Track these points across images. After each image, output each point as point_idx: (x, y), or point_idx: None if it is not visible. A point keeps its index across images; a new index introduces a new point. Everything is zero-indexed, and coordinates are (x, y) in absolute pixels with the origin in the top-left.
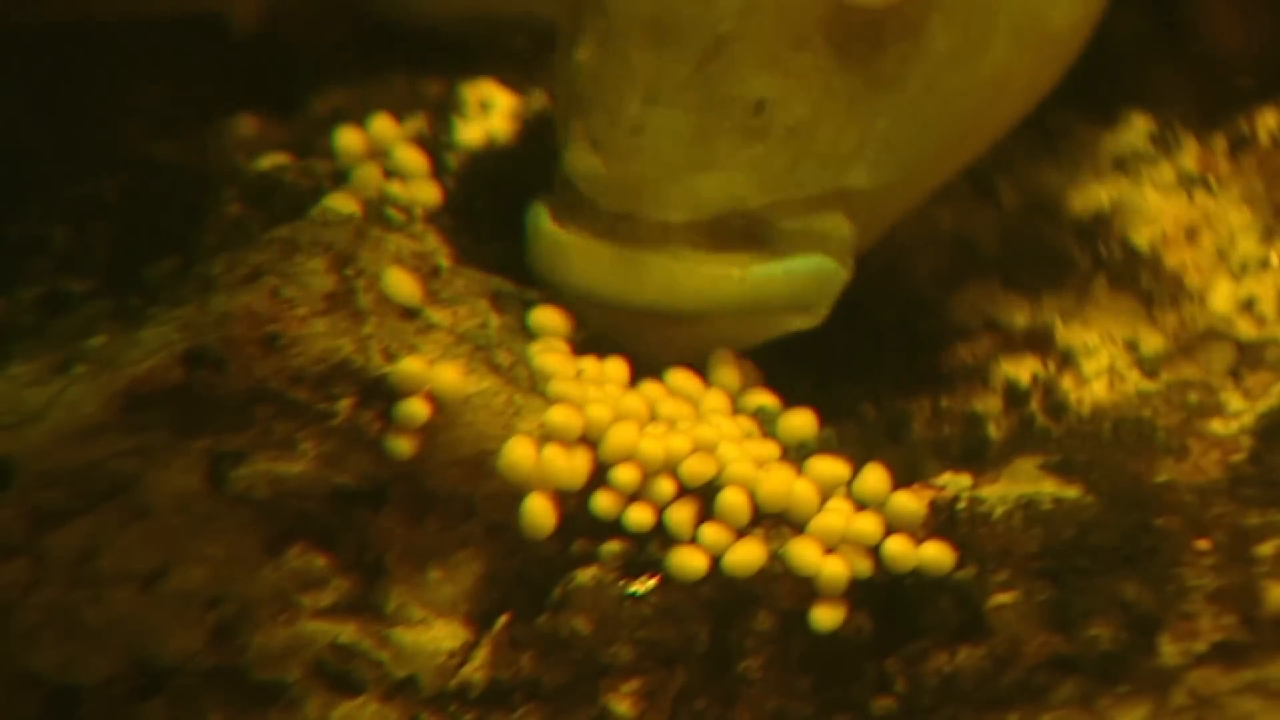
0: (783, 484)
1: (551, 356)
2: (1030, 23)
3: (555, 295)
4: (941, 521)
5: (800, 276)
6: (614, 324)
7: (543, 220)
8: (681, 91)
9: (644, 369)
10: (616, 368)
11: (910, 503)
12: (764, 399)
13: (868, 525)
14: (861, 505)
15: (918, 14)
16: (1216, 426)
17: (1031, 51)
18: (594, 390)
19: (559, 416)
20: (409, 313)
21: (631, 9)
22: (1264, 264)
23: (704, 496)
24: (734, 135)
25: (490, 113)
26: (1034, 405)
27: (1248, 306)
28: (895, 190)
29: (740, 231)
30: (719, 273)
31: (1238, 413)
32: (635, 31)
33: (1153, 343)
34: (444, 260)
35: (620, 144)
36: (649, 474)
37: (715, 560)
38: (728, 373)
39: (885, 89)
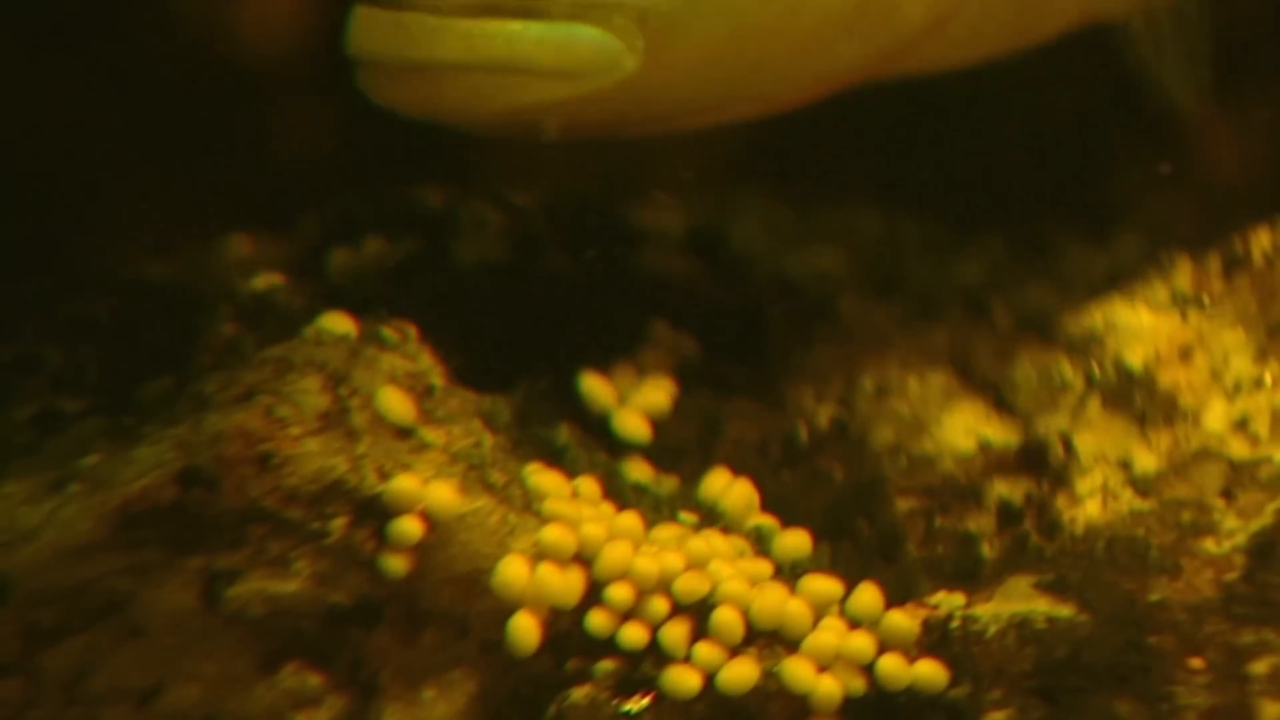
0: (776, 602)
1: (546, 476)
2: None
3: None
4: (935, 640)
5: (576, 42)
6: (390, 86)
7: (356, 7)
8: None
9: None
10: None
11: (903, 621)
12: (761, 518)
13: (861, 643)
14: (855, 623)
15: None
16: (1210, 545)
17: None
18: (588, 509)
19: (553, 535)
20: (403, 432)
21: None
22: (1258, 383)
23: (698, 614)
24: None
25: (484, 231)
26: (1027, 524)
27: (1241, 426)
28: (690, 36)
29: (516, 7)
30: (487, 29)
31: (1231, 532)
32: None
33: (1146, 462)
34: (438, 380)
35: None
36: (643, 592)
37: (709, 678)
38: (731, 495)
39: None
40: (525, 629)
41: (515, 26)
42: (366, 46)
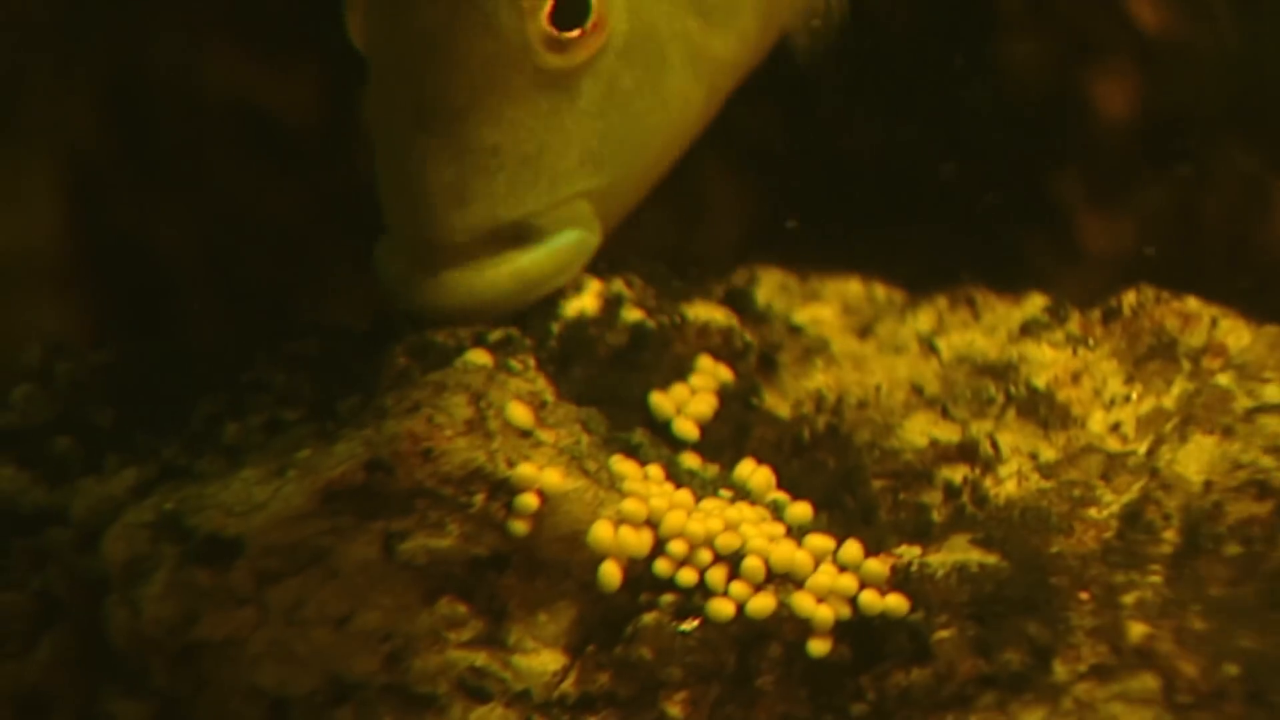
0: (787, 553)
1: (625, 464)
2: (696, 53)
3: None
4: (899, 580)
5: (561, 251)
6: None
7: (379, 258)
8: (442, 150)
9: None
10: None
11: (878, 566)
12: (777, 495)
13: (848, 582)
14: (843, 568)
15: (603, 63)
16: (1093, 513)
17: (704, 75)
18: (655, 488)
19: (630, 506)
20: (524, 433)
21: (403, 100)
22: (1126, 398)
23: (732, 562)
24: (481, 175)
25: (583, 293)
26: (965, 498)
27: (1115, 429)
28: (622, 184)
29: (509, 234)
30: (500, 271)
31: (1108, 503)
32: (408, 114)
33: (1048, 454)
34: (549, 397)
35: (411, 195)
36: (693, 546)
37: (740, 607)
38: (756, 478)
39: (591, 118)
40: (611, 573)
41: (517, 261)
42: (415, 304)
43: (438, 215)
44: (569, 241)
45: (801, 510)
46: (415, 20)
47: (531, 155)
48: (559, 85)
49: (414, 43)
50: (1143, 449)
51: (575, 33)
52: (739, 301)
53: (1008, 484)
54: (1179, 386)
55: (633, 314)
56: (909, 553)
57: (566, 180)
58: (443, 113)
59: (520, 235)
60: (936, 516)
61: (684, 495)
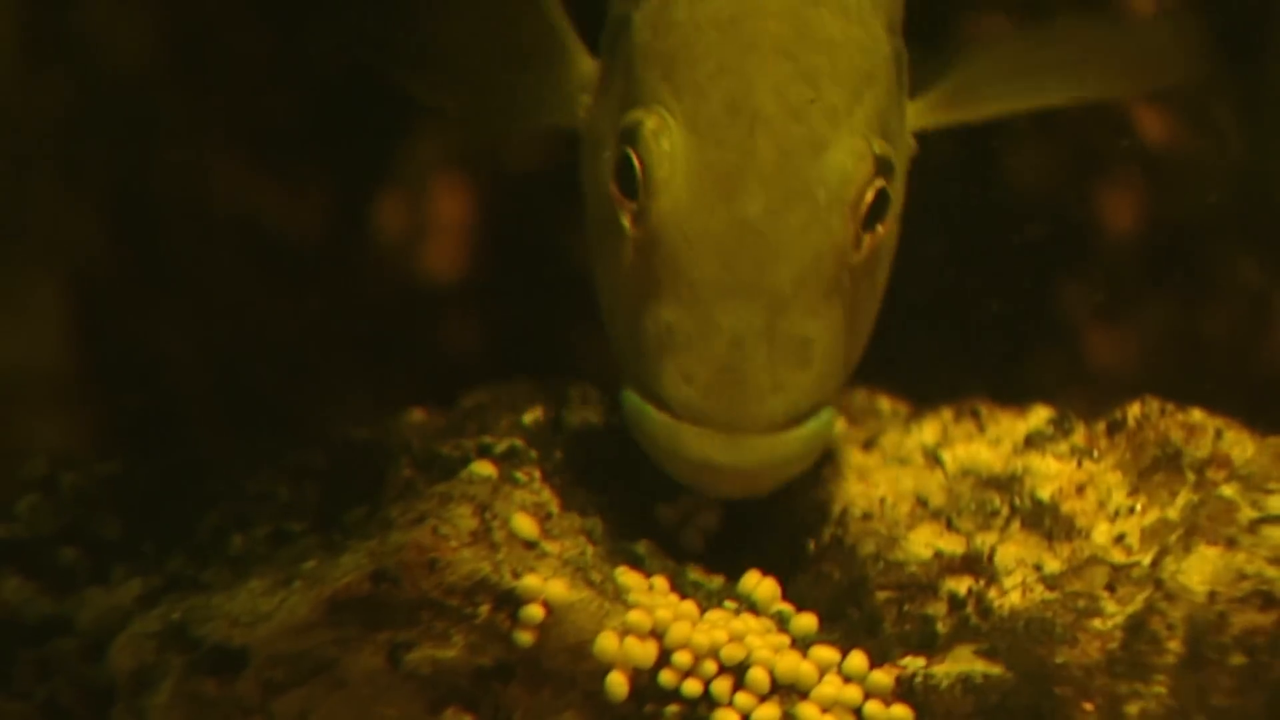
0: (792, 664)
1: (630, 575)
2: (890, 246)
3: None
4: (904, 690)
5: (825, 426)
6: (709, 481)
7: (649, 410)
8: (758, 339)
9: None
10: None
11: (883, 677)
12: (782, 605)
13: (853, 693)
14: (848, 679)
15: (867, 266)
16: (1098, 624)
17: (885, 271)
18: (660, 599)
19: (635, 617)
20: (529, 544)
21: (717, 283)
22: (1131, 510)
23: (737, 673)
24: (792, 364)
25: (587, 404)
26: (969, 609)
27: (1119, 540)
28: (850, 371)
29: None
30: (791, 436)
31: (1112, 614)
32: (720, 299)
33: (1052, 565)
34: (554, 509)
35: (714, 381)
36: (698, 657)
37: (745, 718)
38: (761, 589)
39: (860, 311)
40: (618, 683)
41: (798, 435)
42: (700, 457)
43: (748, 402)
44: (829, 419)
45: (806, 622)
46: (745, 209)
47: (829, 348)
48: (854, 278)
49: (740, 230)
50: (1147, 560)
51: (875, 233)
52: None
53: (1012, 595)
54: (1183, 498)
55: None
56: (914, 664)
57: (841, 371)
58: (764, 298)
59: (795, 412)
60: (941, 628)
61: (689, 606)
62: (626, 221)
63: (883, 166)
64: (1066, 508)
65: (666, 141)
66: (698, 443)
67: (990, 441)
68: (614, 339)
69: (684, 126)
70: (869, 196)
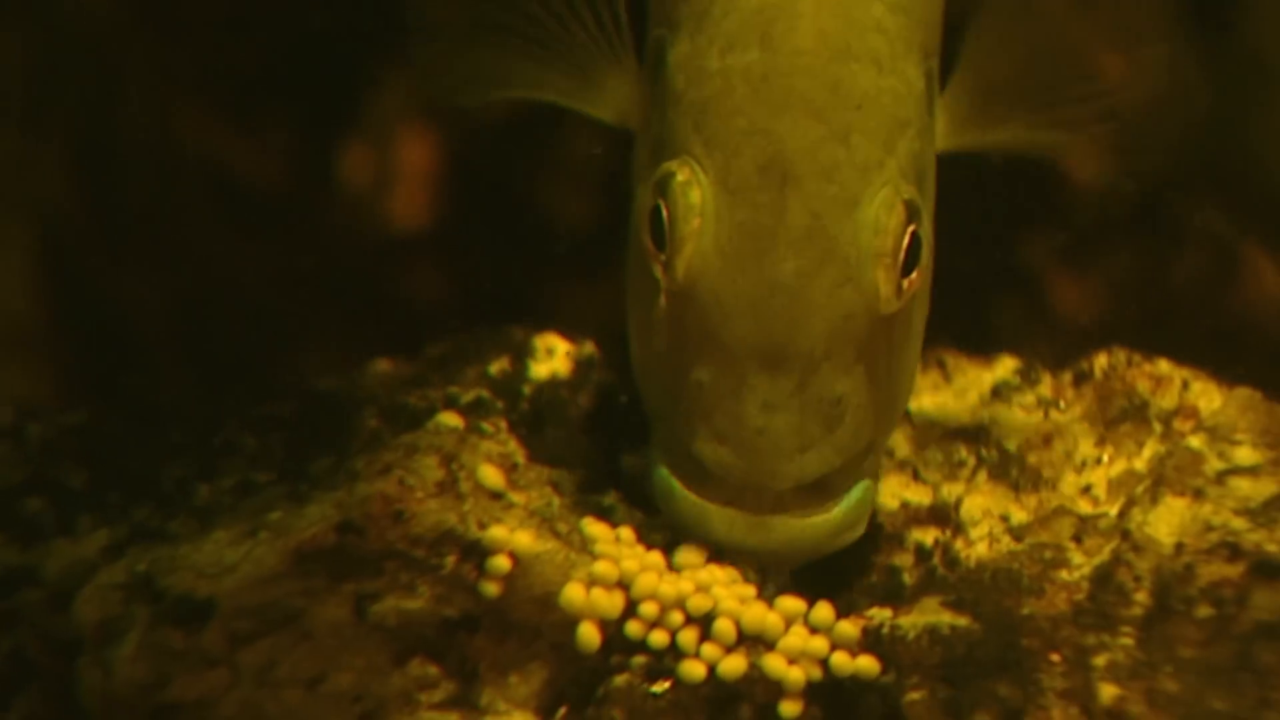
0: (759, 615)
1: (596, 526)
2: (925, 289)
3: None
4: (871, 641)
5: (858, 503)
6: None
7: (677, 489)
8: (790, 399)
9: None
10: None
11: (849, 628)
12: None
13: (819, 644)
14: (815, 630)
15: (906, 309)
16: (1064, 575)
17: (923, 306)
18: (626, 550)
19: (601, 567)
20: (496, 495)
21: (748, 344)
22: (1098, 461)
23: (704, 624)
24: (823, 423)
25: (554, 356)
26: (936, 560)
27: (1086, 491)
28: (895, 420)
29: (821, 483)
30: (818, 521)
31: (1079, 566)
32: (751, 361)
33: (1019, 516)
34: (521, 459)
35: (745, 441)
36: (665, 608)
37: (712, 668)
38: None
39: (893, 362)
40: (590, 635)
41: (830, 512)
42: (727, 538)
43: (778, 462)
44: (861, 494)
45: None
46: (776, 270)
47: (861, 405)
48: (883, 335)
49: (771, 291)
50: (1114, 511)
51: (911, 278)
52: None
53: (979, 546)
54: (1150, 449)
55: (604, 376)
56: (880, 615)
57: (873, 428)
58: (797, 361)
59: (826, 485)
60: (908, 579)
61: (655, 557)
62: (659, 271)
63: (913, 212)
64: (1033, 459)
65: (696, 195)
66: (725, 527)
67: (956, 392)
68: (643, 386)
69: (714, 182)
70: (905, 243)
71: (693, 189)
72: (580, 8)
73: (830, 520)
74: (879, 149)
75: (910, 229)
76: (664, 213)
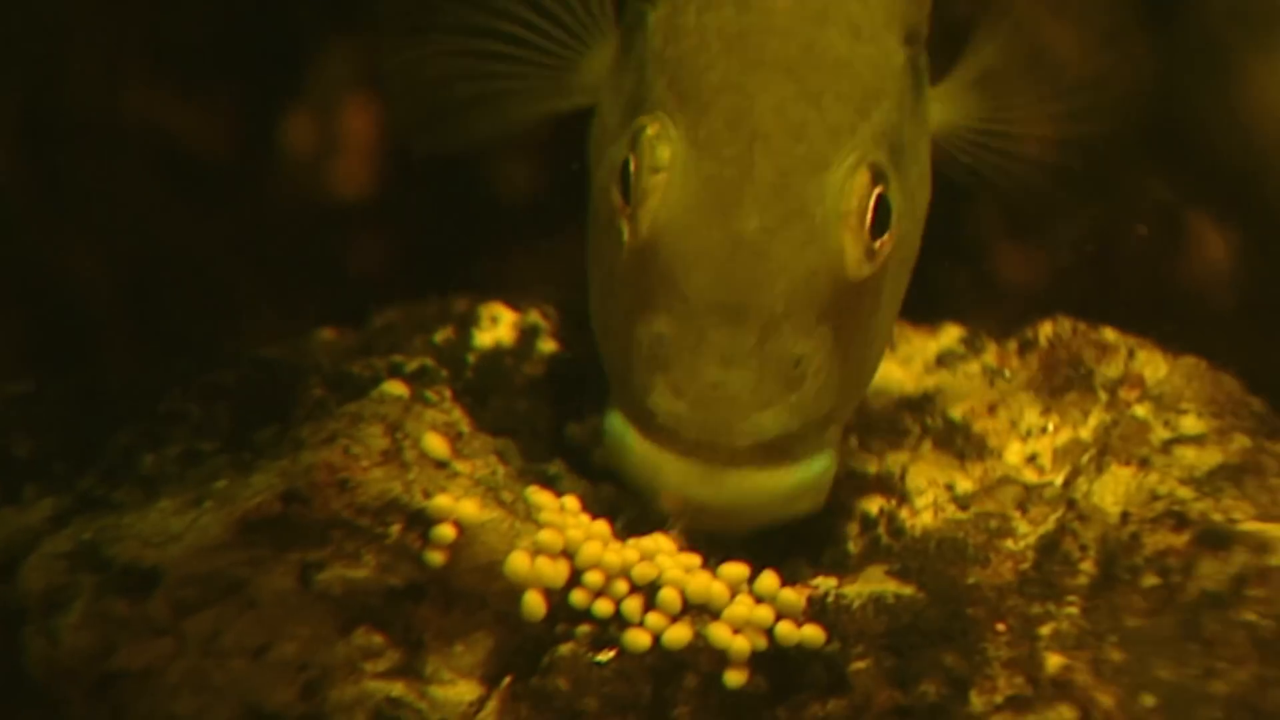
0: (703, 584)
1: (541, 495)
2: (902, 272)
3: (641, 491)
4: (816, 610)
5: (817, 471)
6: (695, 514)
7: (631, 438)
8: (749, 356)
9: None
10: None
11: (794, 597)
12: None
13: (764, 613)
14: (759, 599)
15: (875, 283)
16: (1010, 544)
17: (904, 273)
18: (571, 518)
19: (546, 536)
20: (440, 464)
21: (709, 299)
22: (1043, 430)
23: (648, 593)
24: (782, 382)
25: (498, 324)
26: (881, 529)
27: (1031, 460)
28: (856, 400)
29: (779, 446)
30: (772, 479)
31: (1025, 535)
32: (712, 315)
33: (964, 485)
34: (465, 428)
35: (703, 395)
36: (610, 577)
37: (657, 638)
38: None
39: (859, 331)
40: (535, 603)
41: (787, 474)
42: (681, 491)
43: (734, 418)
44: (822, 464)
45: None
46: (741, 225)
47: (821, 368)
48: (849, 299)
49: (735, 246)
50: (1059, 480)
51: (881, 240)
52: None
53: (924, 515)
54: (1096, 418)
55: (549, 345)
56: (825, 584)
57: (835, 395)
58: (757, 318)
59: (785, 449)
60: (853, 548)
61: (600, 526)
62: (624, 225)
63: (878, 175)
64: (978, 427)
65: (665, 149)
66: (678, 476)
67: (901, 360)
68: (602, 340)
69: (684, 137)
70: (870, 204)
71: (662, 143)
72: None
73: (785, 481)
74: (851, 113)
75: (877, 190)
76: (632, 165)
